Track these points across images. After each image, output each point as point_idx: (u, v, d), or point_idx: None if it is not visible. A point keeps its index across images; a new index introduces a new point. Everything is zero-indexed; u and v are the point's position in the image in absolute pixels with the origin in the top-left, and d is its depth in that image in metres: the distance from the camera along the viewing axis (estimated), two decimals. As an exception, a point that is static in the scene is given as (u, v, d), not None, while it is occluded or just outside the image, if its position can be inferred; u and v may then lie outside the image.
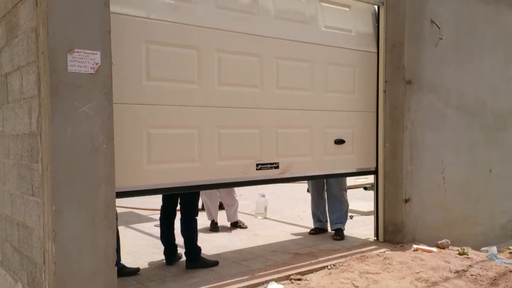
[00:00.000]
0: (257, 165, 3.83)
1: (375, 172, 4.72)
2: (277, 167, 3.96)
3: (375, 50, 4.62)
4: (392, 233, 4.59)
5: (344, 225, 4.94)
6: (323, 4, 4.23)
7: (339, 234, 4.84)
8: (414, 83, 4.53)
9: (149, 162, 3.26)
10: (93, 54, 2.72)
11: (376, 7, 4.61)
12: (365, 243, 4.66)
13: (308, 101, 4.14)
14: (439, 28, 4.65)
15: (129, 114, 3.14)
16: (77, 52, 2.66)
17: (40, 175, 2.77)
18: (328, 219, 5.10)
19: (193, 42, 3.43)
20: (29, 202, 2.98)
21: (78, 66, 2.67)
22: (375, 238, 4.75)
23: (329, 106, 4.30)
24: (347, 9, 4.41)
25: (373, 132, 4.67)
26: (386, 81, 4.59)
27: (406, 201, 4.53)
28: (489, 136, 5.36)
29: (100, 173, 2.78)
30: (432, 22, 4.63)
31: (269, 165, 3.90)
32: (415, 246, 4.28)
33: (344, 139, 4.40)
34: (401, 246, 4.38)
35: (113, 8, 2.90)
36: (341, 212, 4.95)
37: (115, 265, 2.87)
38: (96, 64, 2.74)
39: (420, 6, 4.55)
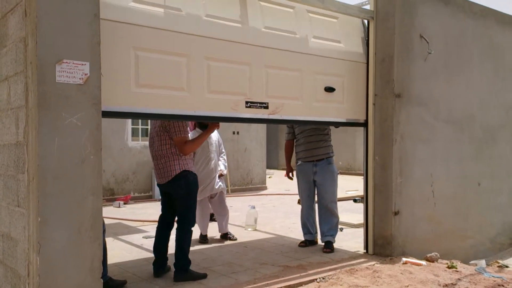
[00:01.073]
0: (247, 102, 3.81)
1: (364, 124, 4.71)
2: (266, 107, 3.94)
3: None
4: (382, 246, 4.59)
5: (334, 237, 4.93)
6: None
7: (328, 246, 4.83)
8: (403, 97, 4.57)
9: (137, 85, 3.21)
10: (82, 65, 2.72)
11: (366, 21, 4.67)
12: (354, 256, 4.65)
13: (296, 43, 4.13)
14: (428, 42, 4.72)
15: (116, 32, 3.08)
16: (66, 62, 2.65)
17: (26, 186, 2.74)
18: (319, 231, 5.09)
19: None
20: (14, 213, 2.94)
21: (67, 76, 2.66)
22: (365, 251, 4.75)
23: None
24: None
25: (363, 83, 4.64)
26: (376, 95, 4.62)
27: (396, 213, 4.54)
28: (478, 149, 5.41)
29: (87, 185, 2.75)
30: (421, 36, 4.69)
31: (258, 104, 3.88)
32: (404, 259, 4.27)
33: (334, 87, 4.39)
34: (391, 259, 4.38)
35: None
36: (332, 224, 4.94)
37: (102, 277, 2.83)
38: (85, 75, 2.73)
39: (410, 21, 4.61)
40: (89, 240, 2.76)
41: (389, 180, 4.53)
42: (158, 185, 4.05)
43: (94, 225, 2.78)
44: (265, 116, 3.96)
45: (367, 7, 4.68)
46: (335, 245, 4.96)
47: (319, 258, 4.57)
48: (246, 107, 3.80)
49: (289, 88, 4.10)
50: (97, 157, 2.80)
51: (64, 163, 2.67)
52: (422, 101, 4.76)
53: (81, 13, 2.70)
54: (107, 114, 3.03)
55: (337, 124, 4.75)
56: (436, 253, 4.46)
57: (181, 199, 3.89)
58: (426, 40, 4.71)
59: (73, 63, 2.68)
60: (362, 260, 4.44)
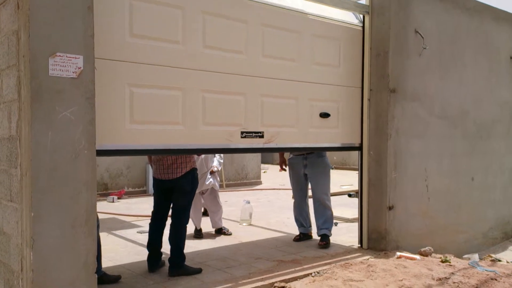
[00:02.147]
0: (242, 133, 3.80)
1: (359, 148, 4.73)
2: (261, 136, 3.93)
3: (360, 24, 4.63)
4: (376, 241, 4.61)
5: (329, 230, 4.92)
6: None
7: (324, 239, 4.84)
8: (398, 92, 4.58)
9: (131, 121, 3.19)
10: (76, 58, 2.69)
11: (361, 16, 4.66)
12: (349, 250, 4.66)
13: (293, 72, 4.12)
14: (423, 38, 4.72)
15: (111, 71, 3.06)
16: (59, 56, 2.62)
17: (19, 181, 2.71)
18: (314, 224, 5.09)
19: (178, 2, 3.36)
20: (7, 208, 2.92)
21: (60, 70, 2.63)
22: (359, 245, 4.76)
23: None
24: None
25: (357, 108, 4.68)
26: (371, 90, 4.62)
27: (390, 208, 4.56)
28: (471, 144, 5.44)
29: (81, 179, 2.73)
30: (416, 32, 4.69)
31: (254, 134, 3.87)
32: (398, 253, 4.29)
33: (330, 113, 4.41)
34: (385, 253, 4.40)
35: None
36: (325, 217, 4.93)
37: (96, 272, 2.82)
38: (79, 68, 2.70)
39: (405, 16, 4.61)
40: (83, 235, 2.75)
41: (384, 175, 4.55)
42: (159, 181, 3.99)
43: (89, 220, 2.76)
44: (260, 145, 3.95)
45: (363, 1, 4.67)
46: (330, 239, 4.97)
47: (314, 252, 4.58)
48: (242, 137, 3.80)
49: (284, 116, 4.09)
50: (91, 152, 2.78)
51: (58, 157, 2.64)
52: (417, 97, 4.77)
53: (74, 6, 2.67)
54: (102, 153, 3.03)
55: (332, 150, 4.74)
56: (430, 248, 4.49)
57: (184, 195, 3.91)
58: (421, 35, 4.71)
59: (66, 56, 2.65)
60: (356, 254, 4.46)
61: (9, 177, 2.87)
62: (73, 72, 2.68)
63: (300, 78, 4.17)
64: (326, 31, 4.33)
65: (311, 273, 3.80)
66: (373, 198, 4.64)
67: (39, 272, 2.59)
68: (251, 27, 3.80)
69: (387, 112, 4.51)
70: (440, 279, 3.66)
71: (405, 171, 4.68)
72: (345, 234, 5.43)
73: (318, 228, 4.96)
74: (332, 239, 5.03)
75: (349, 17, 4.62)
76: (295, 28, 4.10)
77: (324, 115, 4.37)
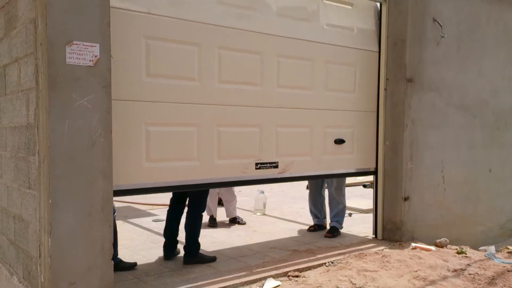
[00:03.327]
0: (257, 164, 3.79)
1: (374, 173, 4.70)
2: (276, 167, 3.93)
3: (376, 49, 4.58)
4: (391, 231, 4.57)
5: (340, 223, 4.92)
6: (325, 1, 4.18)
7: (330, 231, 4.85)
8: (415, 82, 4.51)
9: (147, 160, 3.22)
10: (92, 46, 2.70)
11: (378, 4, 4.58)
12: (363, 240, 4.64)
13: (308, 100, 4.10)
14: (441, 26, 4.63)
15: (127, 111, 3.10)
16: (76, 44, 2.64)
17: (37, 168, 2.75)
18: (328, 216, 5.09)
19: (194, 39, 3.39)
20: (26, 195, 2.96)
21: (77, 58, 2.65)
22: (374, 236, 4.74)
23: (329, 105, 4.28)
24: (350, 7, 4.37)
25: (373, 132, 4.64)
26: (387, 79, 4.56)
27: (406, 199, 4.51)
28: (489, 135, 5.34)
29: (97, 167, 2.76)
30: (434, 20, 4.60)
31: (268, 165, 3.87)
32: (413, 244, 4.26)
33: (344, 139, 4.38)
34: (400, 244, 4.37)
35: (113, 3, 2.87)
36: (337, 210, 4.94)
37: (112, 259, 2.85)
38: (95, 56, 2.71)
39: (423, 4, 4.52)
40: (99, 223, 2.77)
41: (399, 165, 4.50)
42: None
43: (105, 208, 2.79)
44: (275, 176, 3.93)
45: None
46: (344, 230, 4.96)
47: (328, 242, 4.57)
48: (256, 168, 3.79)
49: (299, 145, 4.06)
50: (108, 140, 2.80)
51: (75, 145, 2.67)
52: (434, 86, 4.70)
53: (91, -6, 2.67)
54: (119, 193, 3.06)
55: (347, 176, 4.68)
56: (446, 239, 4.44)
57: None
58: (439, 23, 4.62)
59: (83, 44, 2.66)
60: (371, 245, 4.43)
61: (27, 165, 2.91)
62: (90, 60, 2.69)
63: (315, 106, 4.14)
64: (341, 57, 4.29)
65: (325, 263, 3.80)
66: (388, 189, 4.60)
67: (57, 258, 2.63)
68: (266, 58, 3.78)
69: (404, 102, 4.45)
70: (455, 270, 3.63)
71: (421, 161, 4.62)
72: (359, 225, 5.40)
73: (330, 220, 4.97)
74: (347, 230, 5.02)
75: (367, 43, 4.52)
76: (310, 56, 4.07)
77: (339, 141, 4.34)
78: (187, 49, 3.35)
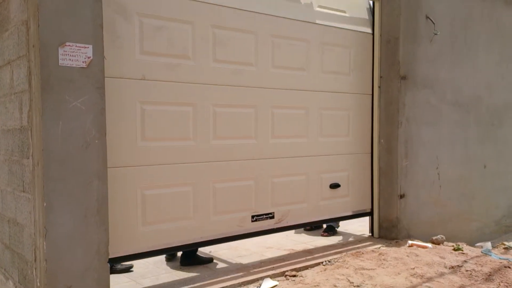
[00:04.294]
0: (253, 216, 3.77)
1: (370, 214, 4.70)
2: (272, 217, 3.90)
3: (370, 92, 4.61)
4: (387, 229, 4.58)
5: (336, 222, 4.92)
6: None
7: (327, 230, 4.88)
8: (409, 79, 4.52)
9: (144, 223, 3.19)
10: (85, 47, 2.68)
11: (371, 2, 4.59)
12: (360, 239, 4.65)
13: (304, 148, 4.10)
14: (434, 23, 4.64)
15: (123, 178, 3.07)
16: (69, 45, 2.62)
17: (31, 171, 2.73)
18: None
19: (190, 99, 3.36)
20: (20, 198, 2.94)
21: (70, 60, 2.63)
22: (370, 234, 4.74)
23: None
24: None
25: (367, 173, 4.65)
26: (381, 77, 4.57)
27: (401, 196, 4.52)
28: (484, 131, 5.37)
29: (92, 169, 2.74)
30: (427, 17, 4.61)
31: (264, 216, 3.84)
32: (410, 242, 4.27)
33: (340, 183, 4.39)
34: (396, 242, 4.38)
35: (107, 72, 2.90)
36: None
37: (108, 262, 2.83)
38: (88, 58, 2.69)
39: (415, 1, 4.53)
40: (95, 225, 2.76)
41: (395, 163, 4.51)
42: None
43: (100, 210, 2.77)
44: (271, 226, 3.91)
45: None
46: (341, 229, 4.96)
47: (325, 241, 4.57)
48: (252, 221, 3.76)
49: (294, 193, 4.05)
50: (102, 142, 2.78)
51: (69, 147, 2.65)
52: (428, 83, 4.71)
53: (83, -5, 2.65)
54: (115, 261, 3.03)
55: (343, 219, 4.62)
56: (442, 236, 4.46)
57: None
58: (432, 21, 4.63)
59: (76, 46, 2.64)
60: (368, 243, 4.44)
61: (21, 168, 2.88)
62: (83, 62, 2.67)
63: (310, 153, 4.14)
64: (337, 104, 4.33)
65: (322, 262, 3.80)
66: (384, 186, 4.61)
67: (52, 261, 2.61)
68: (261, 113, 3.79)
69: (398, 99, 4.45)
70: (452, 267, 3.64)
71: (416, 159, 4.64)
72: (356, 223, 5.39)
73: None
74: (343, 228, 5.02)
75: (361, 79, 4.53)
76: (305, 105, 4.09)
77: (334, 186, 4.34)
78: (182, 110, 3.33)
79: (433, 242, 4.38)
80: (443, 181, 4.90)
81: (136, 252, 3.16)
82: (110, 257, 2.85)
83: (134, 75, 3.10)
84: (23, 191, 2.88)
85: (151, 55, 3.17)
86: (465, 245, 4.33)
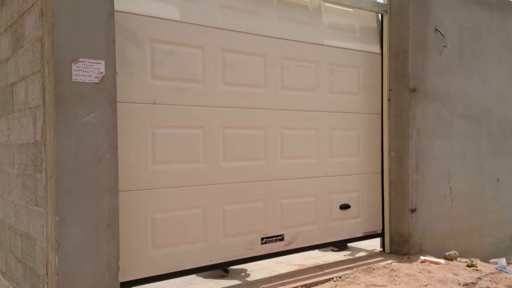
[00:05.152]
0: (262, 239, 3.76)
1: (381, 235, 4.65)
2: (282, 239, 3.88)
3: (379, 112, 4.61)
4: (399, 244, 4.53)
5: None
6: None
7: (335, 245, 4.80)
8: (418, 91, 4.51)
9: (154, 247, 3.20)
10: (98, 63, 2.72)
11: (379, 16, 4.61)
12: (371, 254, 4.59)
13: (313, 168, 4.09)
14: (443, 36, 4.64)
15: (134, 201, 3.10)
16: (82, 61, 2.66)
17: (44, 185, 2.75)
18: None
19: (199, 122, 3.40)
20: (33, 212, 2.96)
21: (83, 75, 2.67)
22: (382, 249, 4.69)
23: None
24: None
25: (378, 193, 4.63)
26: (390, 89, 4.56)
27: (413, 211, 4.48)
28: (496, 144, 5.31)
29: (103, 183, 2.76)
30: (436, 30, 4.62)
31: (274, 238, 3.83)
32: (422, 257, 4.21)
33: (350, 204, 4.36)
34: (408, 257, 4.32)
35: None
36: None
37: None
38: (101, 73, 2.74)
39: (424, 14, 4.54)
40: (106, 239, 2.76)
41: (405, 176, 4.47)
42: None
43: (111, 224, 2.78)
44: (281, 249, 3.89)
45: (381, 0, 4.63)
46: (351, 244, 4.91)
47: (335, 256, 4.52)
48: (262, 243, 3.75)
49: (304, 214, 4.04)
50: (114, 156, 2.80)
51: (81, 161, 2.68)
52: (438, 96, 4.69)
53: (96, 12, 2.70)
54: (126, 285, 3.04)
55: (353, 241, 4.58)
56: (455, 251, 4.39)
57: None
58: (441, 33, 4.63)
59: (88, 61, 2.69)
60: (379, 258, 4.38)
61: (35, 182, 2.91)
62: (96, 77, 2.72)
63: (320, 173, 4.14)
64: (346, 124, 4.34)
65: (332, 278, 3.75)
66: (394, 200, 4.57)
67: (64, 276, 2.62)
68: (270, 134, 3.82)
69: (408, 112, 4.44)
70: (466, 284, 3.58)
71: (427, 172, 4.60)
72: (366, 238, 5.35)
73: None
74: (354, 243, 4.97)
75: (371, 107, 4.54)
76: (315, 126, 4.11)
77: (344, 207, 4.32)
78: (192, 133, 3.37)
79: (446, 258, 4.32)
80: (455, 195, 4.85)
81: (146, 276, 3.16)
82: (121, 281, 2.86)
83: (146, 99, 3.14)
84: (36, 205, 2.91)
85: (162, 79, 3.22)
86: (479, 261, 4.25)
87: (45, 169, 2.74)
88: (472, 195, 5.04)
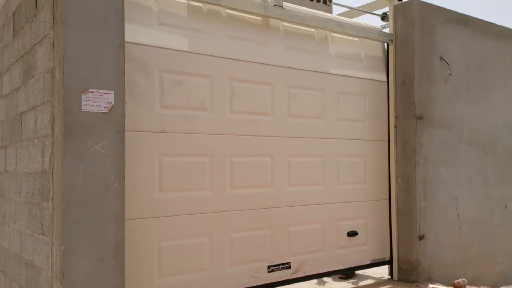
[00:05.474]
0: (269, 267, 3.72)
1: (389, 262, 4.60)
2: (289, 267, 3.84)
3: (386, 138, 4.60)
4: (407, 272, 4.46)
5: None
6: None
7: (344, 272, 4.73)
8: (425, 119, 4.51)
9: (159, 276, 3.18)
10: (107, 93, 2.75)
11: (385, 45, 4.66)
12: (379, 282, 4.52)
13: (320, 195, 4.08)
14: (448, 64, 4.67)
15: (141, 229, 3.10)
16: (91, 92, 2.69)
17: (50, 214, 2.75)
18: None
19: (207, 150, 3.42)
20: (38, 241, 2.95)
21: (92, 105, 2.70)
22: (390, 276, 4.62)
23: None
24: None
25: (385, 221, 4.59)
26: (396, 117, 4.58)
27: (421, 238, 4.42)
28: (503, 171, 5.28)
29: (110, 212, 2.75)
30: (441, 58, 4.65)
31: (281, 266, 3.79)
32: (431, 285, 4.14)
33: (357, 231, 4.33)
34: (417, 285, 4.25)
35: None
36: None
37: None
38: (110, 103, 2.77)
39: (429, 43, 4.58)
40: (111, 269, 2.74)
41: (413, 203, 4.44)
42: None
43: (117, 254, 2.77)
44: (288, 277, 3.86)
45: (386, 30, 4.68)
46: (359, 271, 4.84)
47: (343, 285, 4.46)
48: (268, 271, 3.73)
49: (311, 242, 4.02)
50: (121, 185, 2.81)
51: (88, 191, 2.68)
52: (444, 123, 4.69)
53: (107, 44, 2.75)
54: None
55: (361, 268, 4.55)
56: (464, 279, 4.31)
57: None
58: (446, 62, 4.67)
59: (98, 92, 2.72)
60: (387, 286, 4.32)
61: (41, 211, 2.92)
62: (105, 107, 2.74)
63: (327, 200, 4.13)
64: (352, 151, 4.34)
65: (341, 307, 3.70)
66: (402, 227, 4.52)
67: (69, 306, 2.59)
68: (278, 162, 3.83)
69: (414, 139, 4.44)
70: (477, 313, 3.50)
71: (435, 199, 4.56)
72: (374, 265, 5.27)
73: None
74: (361, 271, 4.90)
75: (377, 135, 4.55)
76: (320, 152, 4.12)
77: (352, 234, 4.29)
78: (199, 160, 3.38)
79: (454, 286, 4.24)
80: (463, 221, 4.79)
81: None
82: None
83: (154, 128, 3.17)
84: (42, 234, 2.90)
85: (170, 108, 3.25)
86: (488, 289, 4.18)
87: (52, 198, 2.75)
88: (480, 222, 4.98)
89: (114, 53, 2.77)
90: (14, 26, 3.64)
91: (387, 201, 4.60)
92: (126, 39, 2.93)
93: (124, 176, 2.83)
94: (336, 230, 4.19)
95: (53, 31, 2.77)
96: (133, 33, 3.08)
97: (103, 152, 2.74)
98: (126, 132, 2.89)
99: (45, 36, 2.90)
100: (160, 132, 3.20)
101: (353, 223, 4.33)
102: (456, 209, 4.76)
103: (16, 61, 3.54)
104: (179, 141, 3.29)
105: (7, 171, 3.80)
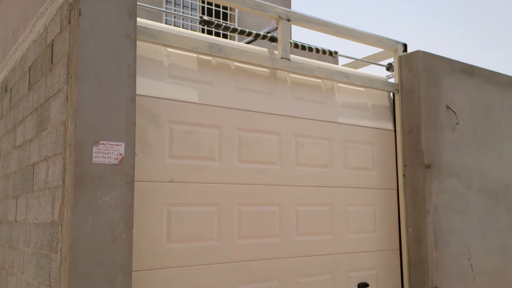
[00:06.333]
0: None
1: None
2: None
3: (395, 187, 4.59)
4: (421, 326, 4.30)
5: None
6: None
7: None
8: (433, 167, 4.50)
9: None
10: (118, 145, 2.81)
11: (391, 94, 4.74)
12: (392, 337, 4.36)
13: (329, 244, 4.04)
14: (455, 113, 4.71)
15: (148, 281, 3.07)
16: (103, 144, 2.76)
17: (58, 266, 2.74)
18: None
19: (215, 199, 3.43)
20: (45, 293, 2.93)
21: (103, 157, 2.75)
22: (403, 331, 4.46)
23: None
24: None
25: (397, 271, 4.51)
26: (405, 165, 4.57)
27: (434, 290, 4.30)
28: (516, 220, 5.18)
29: (118, 263, 2.74)
30: (448, 107, 4.70)
31: None
32: None
33: (368, 283, 4.25)
34: None
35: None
36: None
37: None
38: (120, 155, 2.82)
39: (435, 92, 4.65)
40: (117, 322, 2.70)
41: (424, 253, 4.34)
42: None
43: (123, 307, 2.73)
44: None
45: (392, 80, 4.78)
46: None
47: None
48: None
49: None
50: (129, 236, 2.80)
51: (97, 242, 2.68)
52: (454, 171, 4.67)
53: (119, 98, 2.84)
54: None
55: None
56: (481, 335, 4.15)
57: None
58: (453, 111, 4.71)
59: (109, 144, 2.78)
60: None
61: (49, 262, 2.91)
62: (115, 159, 2.80)
63: (337, 250, 4.09)
64: (361, 200, 4.34)
65: None
66: (414, 278, 4.41)
67: None
68: (285, 209, 3.83)
69: (424, 188, 4.41)
70: None
71: (447, 249, 4.47)
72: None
73: None
74: (373, 324, 4.73)
75: (386, 183, 4.55)
76: (330, 201, 4.12)
77: (363, 285, 4.22)
78: (207, 210, 3.39)
79: None
80: (477, 273, 4.66)
81: None
82: None
83: (163, 178, 3.20)
84: (49, 286, 2.88)
85: (179, 158, 3.30)
86: None
87: (60, 250, 2.75)
88: (495, 273, 4.84)
89: (126, 106, 2.86)
90: (29, 80, 3.78)
91: (398, 251, 4.51)
92: (137, 92, 3.03)
93: (132, 227, 2.83)
94: (346, 281, 4.10)
95: (67, 85, 2.88)
96: (144, 86, 3.18)
97: (112, 203, 2.76)
98: (135, 183, 2.92)
99: (59, 90, 3.00)
100: (169, 182, 3.23)
101: (364, 274, 4.24)
102: (469, 259, 4.64)
103: (30, 113, 3.65)
104: (188, 190, 3.31)
105: (17, 221, 3.82)
